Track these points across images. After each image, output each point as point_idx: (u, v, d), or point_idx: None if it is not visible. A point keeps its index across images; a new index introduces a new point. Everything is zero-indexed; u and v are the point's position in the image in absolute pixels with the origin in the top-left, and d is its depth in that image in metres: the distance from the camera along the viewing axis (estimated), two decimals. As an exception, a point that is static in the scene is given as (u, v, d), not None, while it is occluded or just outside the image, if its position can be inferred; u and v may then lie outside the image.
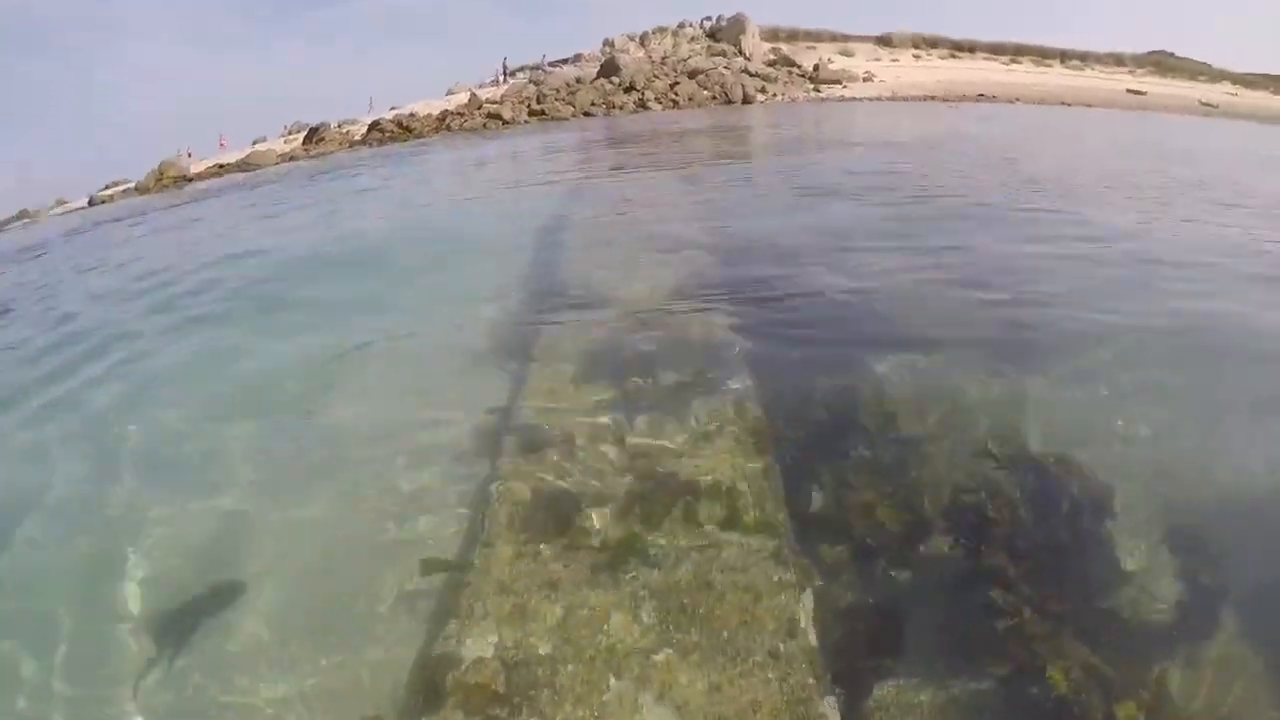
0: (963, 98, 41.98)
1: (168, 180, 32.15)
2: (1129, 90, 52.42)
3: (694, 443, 3.72)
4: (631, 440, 3.80)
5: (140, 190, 31.92)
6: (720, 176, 10.49)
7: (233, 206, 13.72)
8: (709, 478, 3.47)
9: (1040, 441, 3.75)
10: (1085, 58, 67.74)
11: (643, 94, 35.99)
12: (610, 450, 3.74)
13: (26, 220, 49.92)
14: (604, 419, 4.00)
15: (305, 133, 38.46)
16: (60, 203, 53.49)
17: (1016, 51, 65.70)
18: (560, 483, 3.54)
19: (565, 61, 48.84)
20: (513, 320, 5.66)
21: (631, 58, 42.00)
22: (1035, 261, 6.46)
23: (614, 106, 34.86)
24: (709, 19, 50.80)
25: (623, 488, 3.49)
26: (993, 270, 6.15)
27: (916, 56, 60.20)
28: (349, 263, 7.92)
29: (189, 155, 43.77)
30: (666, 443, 3.76)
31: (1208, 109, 49.40)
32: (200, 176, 32.37)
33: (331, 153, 32.71)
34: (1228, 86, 64.75)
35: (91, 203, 33.03)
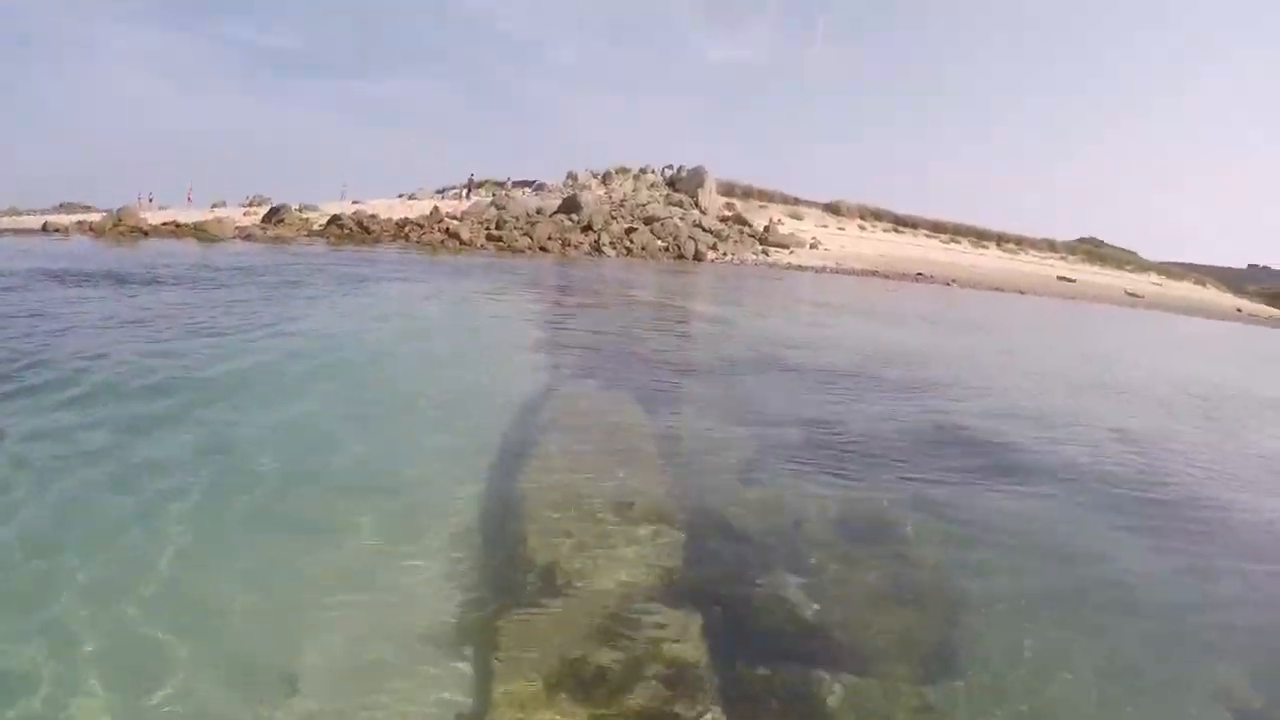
0: (902, 275, 44.20)
1: (124, 229, 31.92)
2: (1060, 277, 56.00)
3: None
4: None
5: (96, 231, 31.50)
6: (679, 401, 10.87)
7: (185, 313, 13.28)
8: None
9: None
10: (1020, 241, 72.18)
11: (599, 236, 37.12)
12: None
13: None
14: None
15: (266, 210, 38.51)
16: (13, 213, 51.90)
17: (955, 231, 69.76)
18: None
19: (529, 184, 50.16)
20: (465, 594, 5.60)
21: (593, 195, 43.41)
22: (965, 580, 6.92)
23: (570, 245, 35.88)
24: (670, 167, 53.27)
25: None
26: (930, 587, 6.59)
27: (861, 227, 63.61)
28: (284, 460, 7.74)
29: (150, 200, 43.18)
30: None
31: (1133, 299, 52.86)
32: (157, 232, 32.19)
33: (289, 239, 32.89)
34: (1153, 277, 69.56)
35: (45, 228, 32.47)
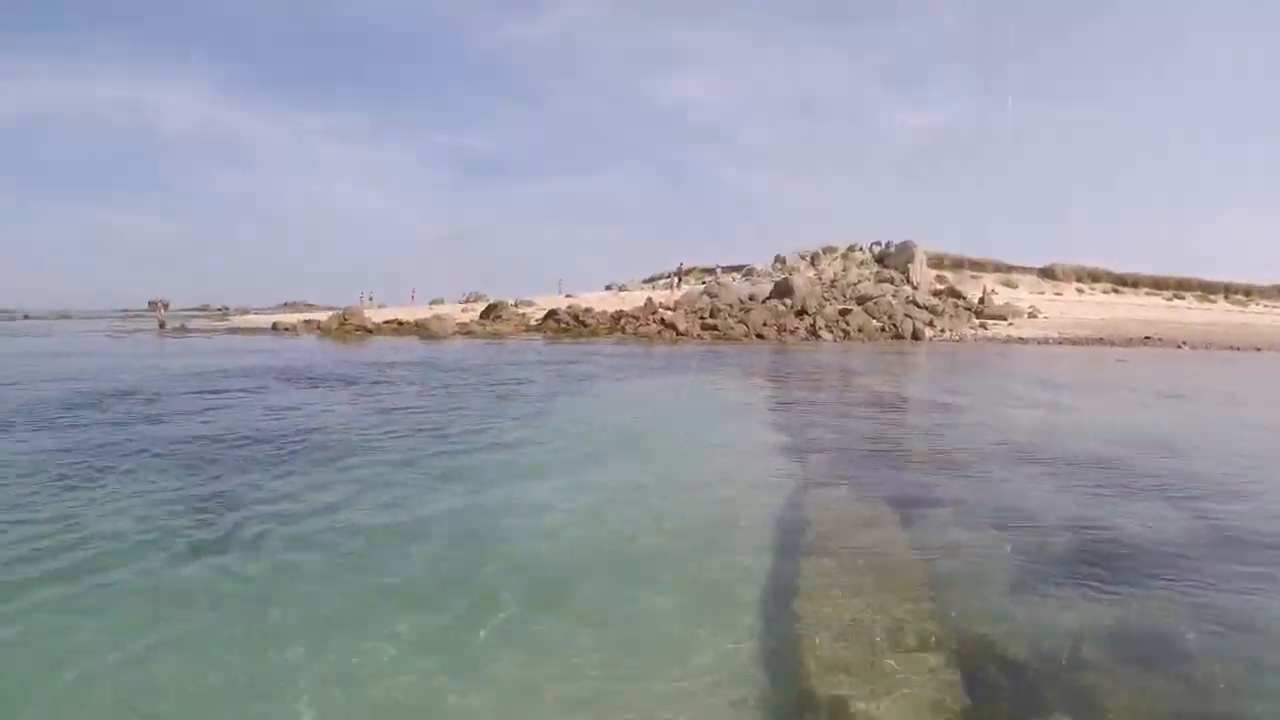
0: (1129, 340, 42.03)
1: (350, 328, 35.30)
2: (1298, 326, 51.27)
3: None
4: None
5: (323, 330, 35.23)
6: (929, 506, 10.95)
7: (424, 418, 13.55)
8: None
9: None
10: (1249, 291, 66.57)
11: (814, 319, 37.61)
12: None
13: (208, 316, 54.32)
14: None
15: (484, 307, 41.70)
16: (244, 311, 58.00)
17: (1179, 286, 65.17)
18: None
19: (738, 270, 51.41)
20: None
21: (803, 277, 43.98)
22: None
23: (785, 330, 36.38)
24: (878, 243, 52.98)
25: None
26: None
27: (1079, 290, 60.50)
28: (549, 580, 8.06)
29: (370, 299, 47.65)
30: None
31: (1392, 342, 47.60)
32: (380, 330, 35.15)
33: (506, 334, 34.98)
34: None
35: (275, 327, 36.39)
